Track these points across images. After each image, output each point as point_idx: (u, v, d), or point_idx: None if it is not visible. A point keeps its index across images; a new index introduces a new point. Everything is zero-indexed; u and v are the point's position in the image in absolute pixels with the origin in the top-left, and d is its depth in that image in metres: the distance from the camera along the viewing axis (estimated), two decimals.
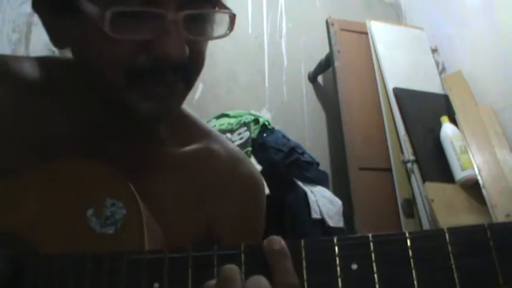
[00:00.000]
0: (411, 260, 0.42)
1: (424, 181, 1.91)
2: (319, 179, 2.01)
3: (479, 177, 1.85)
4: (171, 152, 0.64)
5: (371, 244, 0.43)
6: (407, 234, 0.43)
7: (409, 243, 0.43)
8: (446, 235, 0.43)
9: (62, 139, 0.57)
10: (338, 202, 1.94)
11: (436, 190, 1.88)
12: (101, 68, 0.52)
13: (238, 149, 0.73)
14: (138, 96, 0.52)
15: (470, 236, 0.43)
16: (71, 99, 0.59)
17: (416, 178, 1.95)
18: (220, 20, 0.54)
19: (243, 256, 0.43)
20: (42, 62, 0.63)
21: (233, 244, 0.44)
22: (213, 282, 0.42)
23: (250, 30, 2.58)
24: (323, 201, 1.88)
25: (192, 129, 0.68)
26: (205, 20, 0.53)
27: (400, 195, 1.99)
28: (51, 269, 0.44)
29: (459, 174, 1.90)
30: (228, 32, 0.54)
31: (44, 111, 0.58)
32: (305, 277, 0.42)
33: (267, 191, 1.79)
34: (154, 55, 0.49)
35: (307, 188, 1.89)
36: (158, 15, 0.48)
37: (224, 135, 2.17)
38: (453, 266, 0.42)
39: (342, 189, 2.09)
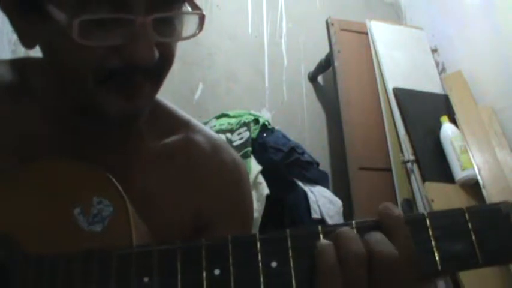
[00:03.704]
0: None
1: (424, 181, 1.91)
2: (319, 179, 2.01)
3: (479, 177, 1.85)
4: (151, 146, 0.64)
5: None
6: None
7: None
8: (427, 220, 0.44)
9: (40, 140, 0.57)
10: (338, 202, 1.94)
11: (436, 190, 1.87)
12: (69, 70, 0.51)
13: (218, 136, 0.73)
14: (107, 96, 0.52)
15: (450, 219, 0.45)
16: (45, 100, 0.59)
17: (416, 178, 1.95)
18: (190, 20, 0.54)
19: (230, 247, 0.43)
20: (15, 63, 0.62)
21: (222, 235, 0.44)
22: (328, 242, 0.42)
23: (250, 30, 2.58)
24: (323, 201, 1.88)
25: (170, 121, 0.68)
26: (175, 21, 0.53)
27: (400, 195, 1.98)
28: (40, 269, 0.44)
29: (459, 174, 1.90)
30: (197, 32, 0.54)
31: (19, 113, 0.58)
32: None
33: (267, 191, 1.79)
34: (124, 59, 0.49)
35: (307, 188, 1.89)
36: (127, 21, 0.48)
37: (224, 135, 2.15)
38: (434, 248, 0.43)
39: (342, 189, 2.09)
